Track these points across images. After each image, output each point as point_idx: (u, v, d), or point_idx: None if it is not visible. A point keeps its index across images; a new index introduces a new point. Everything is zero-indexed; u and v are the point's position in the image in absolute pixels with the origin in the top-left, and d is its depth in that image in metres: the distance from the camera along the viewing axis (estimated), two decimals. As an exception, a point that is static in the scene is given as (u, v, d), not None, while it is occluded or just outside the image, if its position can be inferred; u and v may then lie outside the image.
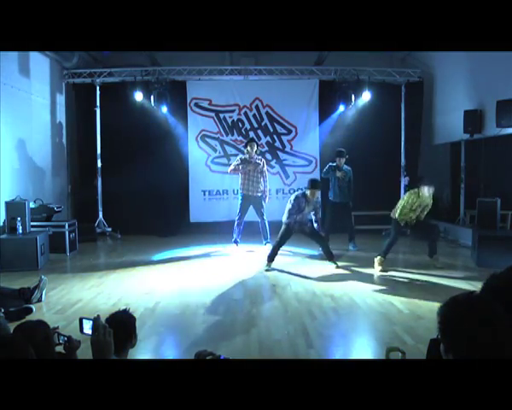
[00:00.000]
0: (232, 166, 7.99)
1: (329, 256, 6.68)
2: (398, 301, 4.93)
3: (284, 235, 6.59)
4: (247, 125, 9.94)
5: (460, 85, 8.83)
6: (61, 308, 4.78)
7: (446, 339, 1.39)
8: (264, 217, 7.91)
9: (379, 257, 6.48)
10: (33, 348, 1.79)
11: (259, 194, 7.89)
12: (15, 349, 1.53)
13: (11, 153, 7.60)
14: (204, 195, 9.85)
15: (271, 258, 6.63)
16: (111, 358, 1.69)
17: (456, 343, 1.35)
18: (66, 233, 7.65)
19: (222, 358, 1.55)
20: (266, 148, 9.98)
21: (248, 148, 7.86)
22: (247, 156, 7.86)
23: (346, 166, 8.01)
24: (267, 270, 6.51)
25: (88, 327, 1.95)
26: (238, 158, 8.09)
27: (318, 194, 6.50)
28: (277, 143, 10.03)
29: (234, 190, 9.53)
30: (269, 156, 9.99)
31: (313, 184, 6.43)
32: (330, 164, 7.94)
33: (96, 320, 1.72)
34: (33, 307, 4.59)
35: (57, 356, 2.25)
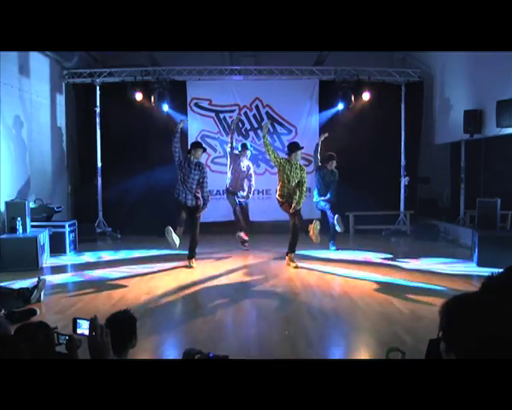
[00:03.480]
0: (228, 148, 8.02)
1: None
2: (398, 301, 4.93)
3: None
4: (247, 125, 9.94)
5: (460, 85, 8.83)
6: (61, 308, 4.78)
7: (450, 338, 1.38)
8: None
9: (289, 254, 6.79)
10: (34, 350, 1.79)
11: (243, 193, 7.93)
12: (13, 350, 1.53)
13: (11, 153, 7.60)
14: (204, 194, 9.84)
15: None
16: (108, 358, 1.69)
17: (461, 343, 1.35)
18: (67, 233, 7.65)
19: (211, 356, 1.54)
20: (266, 148, 9.98)
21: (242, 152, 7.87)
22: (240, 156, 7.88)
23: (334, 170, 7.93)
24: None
25: (83, 327, 1.94)
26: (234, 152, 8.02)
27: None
28: (277, 143, 10.01)
29: (234, 190, 9.51)
30: (269, 156, 9.97)
31: None
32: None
33: (93, 321, 1.71)
34: (37, 309, 4.52)
35: (58, 356, 2.25)
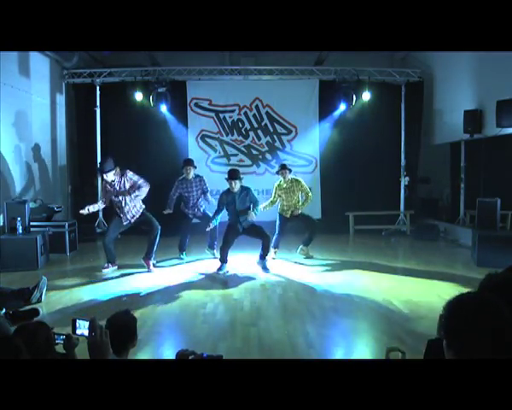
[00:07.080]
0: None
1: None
2: (398, 301, 4.93)
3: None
4: (247, 125, 9.95)
5: (460, 85, 8.83)
6: (61, 308, 4.77)
7: (451, 338, 1.38)
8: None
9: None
10: (34, 350, 1.79)
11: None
12: (13, 349, 1.53)
13: (11, 153, 7.60)
14: (204, 195, 9.83)
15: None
16: (108, 358, 1.69)
17: (462, 342, 1.34)
18: (66, 233, 7.64)
19: (205, 356, 1.54)
20: (266, 148, 9.99)
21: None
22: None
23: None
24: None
25: (82, 328, 1.94)
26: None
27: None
28: (277, 143, 10.03)
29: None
30: (269, 156, 10.01)
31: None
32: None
33: (92, 321, 1.72)
34: (40, 309, 4.51)
35: (57, 356, 2.25)
